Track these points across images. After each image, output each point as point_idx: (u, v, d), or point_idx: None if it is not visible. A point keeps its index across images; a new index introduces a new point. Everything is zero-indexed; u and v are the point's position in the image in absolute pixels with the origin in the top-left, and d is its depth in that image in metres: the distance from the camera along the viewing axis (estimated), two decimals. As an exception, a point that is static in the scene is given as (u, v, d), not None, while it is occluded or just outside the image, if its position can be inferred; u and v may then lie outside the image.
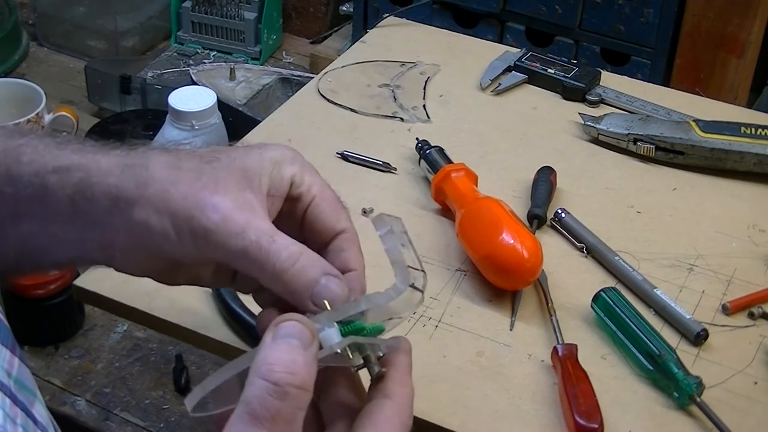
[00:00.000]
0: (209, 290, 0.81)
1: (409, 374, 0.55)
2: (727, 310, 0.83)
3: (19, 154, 0.58)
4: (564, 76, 1.12)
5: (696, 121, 1.02)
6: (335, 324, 0.53)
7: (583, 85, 1.11)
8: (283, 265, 0.54)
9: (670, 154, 1.01)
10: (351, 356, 0.53)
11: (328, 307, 0.54)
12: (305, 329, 0.50)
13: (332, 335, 0.52)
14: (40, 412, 0.54)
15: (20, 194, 0.57)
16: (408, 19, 1.28)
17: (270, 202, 0.58)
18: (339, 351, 0.52)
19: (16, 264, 0.61)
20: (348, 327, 0.53)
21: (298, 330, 0.50)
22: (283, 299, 0.57)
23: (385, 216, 0.58)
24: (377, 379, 0.53)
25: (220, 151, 0.58)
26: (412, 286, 0.56)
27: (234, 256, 0.55)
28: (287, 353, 0.49)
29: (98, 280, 0.83)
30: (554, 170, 0.96)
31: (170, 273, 0.59)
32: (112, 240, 0.57)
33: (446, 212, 0.93)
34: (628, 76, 1.20)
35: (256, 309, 0.78)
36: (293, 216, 0.60)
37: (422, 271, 0.56)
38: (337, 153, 1.01)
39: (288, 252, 0.55)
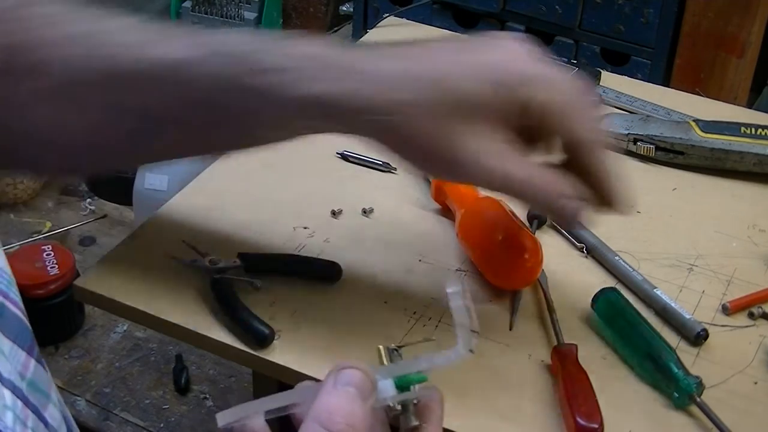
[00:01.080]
0: (209, 290, 0.81)
1: (440, 429, 0.55)
2: (728, 310, 0.83)
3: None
4: (564, 76, 1.12)
5: (696, 121, 1.02)
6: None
7: (583, 85, 1.11)
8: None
9: (670, 154, 1.01)
10: (395, 406, 0.54)
11: (386, 362, 0.56)
12: (367, 380, 0.50)
13: (387, 386, 0.54)
14: (53, 414, 0.53)
15: None
16: (408, 19, 1.28)
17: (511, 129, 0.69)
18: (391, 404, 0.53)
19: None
20: (401, 378, 0.54)
21: (360, 380, 0.50)
22: None
23: (454, 276, 0.59)
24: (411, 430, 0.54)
25: (454, 76, 0.66)
26: (470, 350, 0.56)
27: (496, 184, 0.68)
28: (347, 403, 0.49)
29: (98, 280, 0.83)
30: (554, 170, 0.96)
31: None
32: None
33: (446, 212, 0.93)
34: (628, 76, 1.20)
35: (256, 309, 0.78)
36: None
37: (477, 332, 0.57)
38: (337, 153, 1.01)
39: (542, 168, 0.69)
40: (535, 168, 0.68)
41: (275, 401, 0.52)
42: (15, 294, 0.55)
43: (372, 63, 0.66)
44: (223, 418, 0.52)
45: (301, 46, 0.67)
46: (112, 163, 0.76)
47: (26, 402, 0.51)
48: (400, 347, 0.57)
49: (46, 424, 0.52)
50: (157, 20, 0.69)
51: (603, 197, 0.71)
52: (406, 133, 0.66)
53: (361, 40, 1.24)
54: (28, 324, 0.55)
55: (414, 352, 0.57)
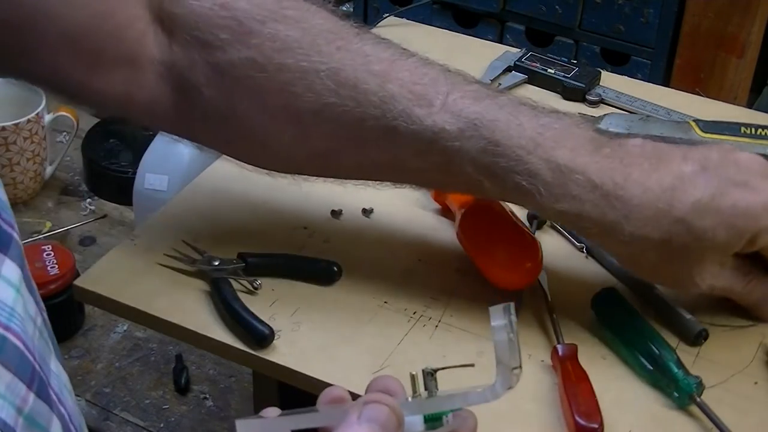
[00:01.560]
0: (209, 290, 0.81)
1: None
2: None
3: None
4: (564, 76, 1.12)
5: (696, 121, 1.02)
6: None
7: (583, 85, 1.11)
8: None
9: (670, 154, 1.01)
10: None
11: (420, 389, 0.53)
12: (393, 417, 0.49)
13: (415, 422, 0.52)
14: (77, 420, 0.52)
15: None
16: (408, 19, 1.28)
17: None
18: None
19: None
20: (431, 414, 0.52)
21: (386, 417, 0.49)
22: None
23: (502, 306, 0.54)
24: None
25: (701, 209, 0.72)
26: (509, 387, 0.54)
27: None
28: None
29: (98, 280, 0.83)
30: (554, 170, 0.96)
31: None
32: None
33: (446, 212, 0.93)
34: (628, 76, 1.20)
35: (256, 309, 0.78)
36: None
37: (520, 367, 0.54)
38: (337, 153, 1.01)
39: None
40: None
41: (301, 421, 0.50)
42: (17, 325, 0.52)
43: (630, 188, 0.71)
44: (244, 428, 0.51)
45: (562, 151, 0.71)
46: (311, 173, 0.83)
47: (63, 404, 0.50)
48: (436, 371, 0.54)
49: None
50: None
51: None
52: (638, 260, 0.74)
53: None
54: (32, 357, 0.53)
55: (451, 379, 0.55)
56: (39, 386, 0.53)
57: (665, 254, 0.73)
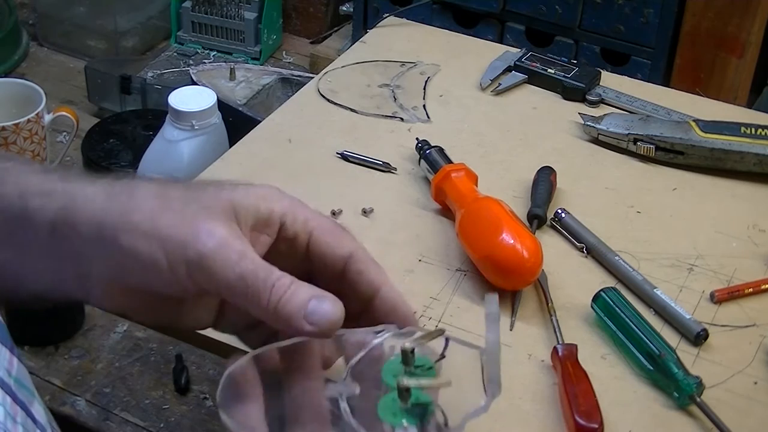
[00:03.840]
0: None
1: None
2: (714, 298, 0.83)
3: (2, 175, 0.57)
4: (564, 76, 1.12)
5: (696, 121, 1.02)
6: None
7: (583, 85, 1.11)
8: (276, 293, 0.53)
9: (670, 154, 1.01)
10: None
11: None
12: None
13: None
14: (39, 411, 0.54)
15: (1, 216, 0.56)
16: (408, 19, 1.28)
17: (255, 236, 0.57)
18: None
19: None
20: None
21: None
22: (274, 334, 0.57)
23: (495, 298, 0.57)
24: None
25: (206, 184, 0.57)
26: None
27: (229, 284, 0.53)
28: None
29: (98, 280, 0.83)
30: (554, 170, 0.96)
31: (148, 310, 0.58)
32: (91, 271, 0.55)
33: (446, 212, 0.93)
34: (628, 76, 1.20)
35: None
36: (295, 255, 0.59)
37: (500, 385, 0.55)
38: (337, 153, 1.01)
39: (281, 282, 0.54)
40: None
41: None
42: None
43: None
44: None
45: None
46: None
47: (15, 398, 0.51)
48: (413, 350, 0.55)
49: (34, 420, 0.52)
50: None
51: None
52: None
53: (361, 40, 1.25)
54: (3, 322, 0.55)
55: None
56: (18, 352, 0.55)
57: None
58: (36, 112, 1.52)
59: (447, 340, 0.57)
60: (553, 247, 0.89)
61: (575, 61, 1.17)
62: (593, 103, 1.11)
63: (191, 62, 2.20)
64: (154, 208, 0.54)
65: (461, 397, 0.56)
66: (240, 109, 1.76)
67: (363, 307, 0.59)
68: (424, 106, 1.10)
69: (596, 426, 0.70)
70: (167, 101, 1.22)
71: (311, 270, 0.59)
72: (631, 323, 0.78)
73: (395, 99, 1.11)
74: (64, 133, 1.73)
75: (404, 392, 0.53)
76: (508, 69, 1.15)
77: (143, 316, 0.59)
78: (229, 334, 0.62)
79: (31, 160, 0.62)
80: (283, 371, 0.57)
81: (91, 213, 0.54)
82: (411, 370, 0.55)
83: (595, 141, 1.05)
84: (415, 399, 0.54)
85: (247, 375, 0.55)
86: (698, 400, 0.73)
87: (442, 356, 0.57)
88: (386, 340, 0.56)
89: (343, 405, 0.54)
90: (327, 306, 0.54)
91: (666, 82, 1.85)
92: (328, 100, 1.10)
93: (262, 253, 0.57)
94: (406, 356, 0.55)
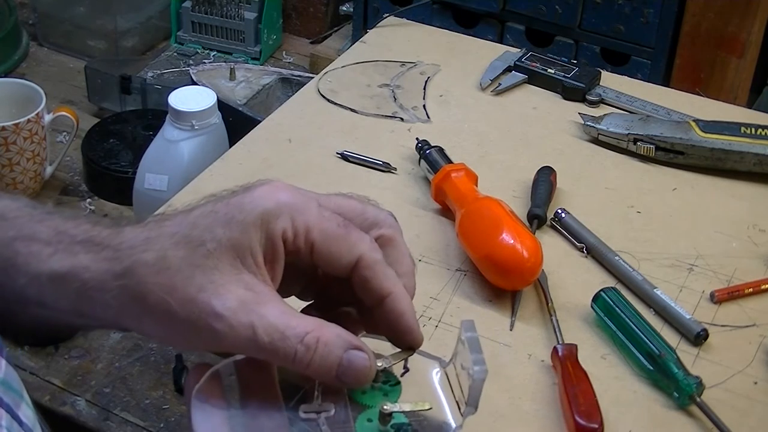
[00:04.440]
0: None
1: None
2: (714, 297, 0.83)
3: (13, 255, 0.56)
4: (564, 76, 1.12)
5: (696, 121, 1.02)
6: None
7: (583, 85, 1.11)
8: (302, 358, 0.53)
9: (670, 154, 1.01)
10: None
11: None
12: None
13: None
14: (27, 414, 0.53)
15: (21, 293, 0.56)
16: (408, 19, 1.28)
17: (269, 268, 0.56)
18: None
19: (35, 339, 0.60)
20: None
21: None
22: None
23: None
24: None
25: (204, 227, 0.55)
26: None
27: (250, 354, 0.54)
28: None
29: (98, 280, 0.83)
30: (554, 170, 0.96)
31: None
32: (128, 327, 0.57)
33: (446, 212, 0.93)
34: (628, 76, 1.20)
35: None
36: (301, 262, 0.57)
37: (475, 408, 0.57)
38: (337, 153, 1.01)
39: (304, 345, 0.53)
40: None
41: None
42: None
43: None
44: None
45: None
46: None
47: (0, 401, 0.51)
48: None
49: (20, 423, 0.52)
50: None
51: None
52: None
53: (361, 40, 1.25)
54: None
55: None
56: (7, 354, 0.54)
57: None
58: (36, 112, 1.52)
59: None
60: (553, 247, 0.89)
61: (575, 61, 1.17)
62: (593, 103, 1.11)
63: (191, 62, 2.21)
64: (163, 289, 0.54)
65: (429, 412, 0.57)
66: (240, 109, 1.77)
67: (370, 311, 0.58)
68: (424, 106, 1.10)
69: (596, 426, 0.70)
70: (167, 101, 1.22)
71: (319, 275, 0.59)
72: (631, 323, 0.78)
73: (395, 99, 1.11)
74: (64, 133, 1.73)
75: (386, 416, 0.55)
76: (508, 69, 1.15)
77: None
78: None
79: (24, 211, 0.59)
80: (242, 384, 0.57)
81: (106, 304, 0.55)
82: (379, 386, 0.57)
83: (595, 141, 1.05)
84: (396, 420, 0.55)
85: (220, 382, 0.56)
86: (698, 400, 0.73)
87: (406, 370, 0.58)
88: None
89: (325, 428, 0.54)
90: (360, 363, 0.54)
91: (666, 82, 1.86)
92: (328, 100, 1.10)
93: (280, 276, 0.56)
94: (376, 375, 0.56)
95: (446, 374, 0.59)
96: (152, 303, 0.54)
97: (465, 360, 0.56)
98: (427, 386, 0.58)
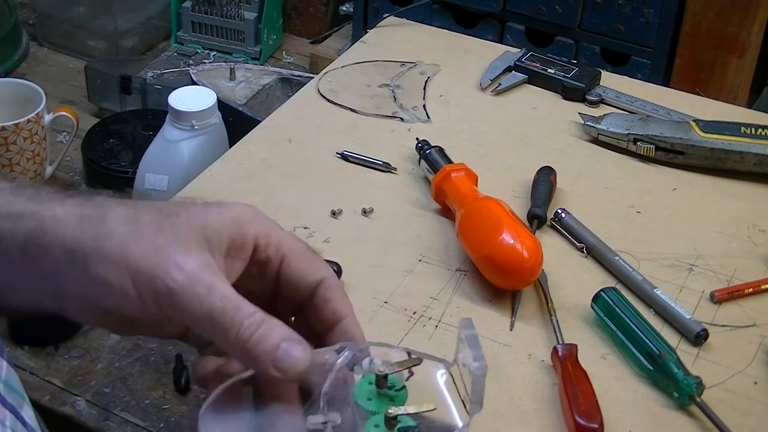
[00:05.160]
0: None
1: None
2: (714, 297, 0.83)
3: None
4: (564, 76, 1.12)
5: (696, 121, 1.02)
6: None
7: (583, 85, 1.11)
8: (245, 332, 0.52)
9: (670, 154, 1.01)
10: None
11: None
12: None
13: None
14: (29, 414, 0.54)
15: None
16: (408, 19, 1.28)
17: (229, 263, 0.56)
18: None
19: None
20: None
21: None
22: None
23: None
24: None
25: (179, 206, 0.56)
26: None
27: (196, 319, 0.53)
28: None
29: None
30: (554, 170, 0.96)
31: (125, 327, 0.57)
32: (65, 290, 0.54)
33: (446, 212, 0.93)
34: (628, 76, 1.20)
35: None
36: (265, 277, 0.58)
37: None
38: (337, 153, 1.01)
39: (251, 320, 0.53)
40: None
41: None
42: None
43: None
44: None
45: None
46: None
47: (3, 402, 0.51)
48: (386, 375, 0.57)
49: (24, 423, 0.52)
50: None
51: None
52: None
53: (361, 40, 1.25)
54: None
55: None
56: (8, 356, 0.55)
57: None
58: (36, 112, 1.52)
59: (409, 354, 0.58)
60: (553, 247, 0.89)
61: (575, 61, 1.17)
62: (593, 103, 1.11)
63: (191, 62, 2.20)
64: (126, 236, 0.53)
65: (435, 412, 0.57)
66: (240, 109, 1.76)
67: (321, 332, 0.59)
68: (424, 106, 1.10)
69: (596, 426, 0.70)
70: (167, 101, 1.22)
71: (278, 291, 0.59)
72: (631, 323, 0.78)
73: (395, 99, 1.11)
74: (64, 133, 1.73)
75: (391, 420, 0.55)
76: (508, 69, 1.15)
77: (118, 330, 0.59)
78: (195, 347, 0.61)
79: None
80: (257, 393, 0.57)
81: (61, 237, 0.53)
82: (384, 392, 0.57)
83: (595, 141, 1.05)
84: (402, 423, 0.56)
85: (234, 393, 0.56)
86: (698, 400, 0.73)
87: (411, 374, 0.58)
88: (349, 360, 0.57)
89: None
90: (297, 354, 0.53)
91: (666, 82, 1.85)
92: (328, 100, 1.10)
93: (236, 279, 0.56)
94: (380, 381, 0.57)
95: (451, 375, 0.59)
96: (110, 245, 0.52)
97: (466, 358, 0.57)
98: (434, 388, 0.59)
